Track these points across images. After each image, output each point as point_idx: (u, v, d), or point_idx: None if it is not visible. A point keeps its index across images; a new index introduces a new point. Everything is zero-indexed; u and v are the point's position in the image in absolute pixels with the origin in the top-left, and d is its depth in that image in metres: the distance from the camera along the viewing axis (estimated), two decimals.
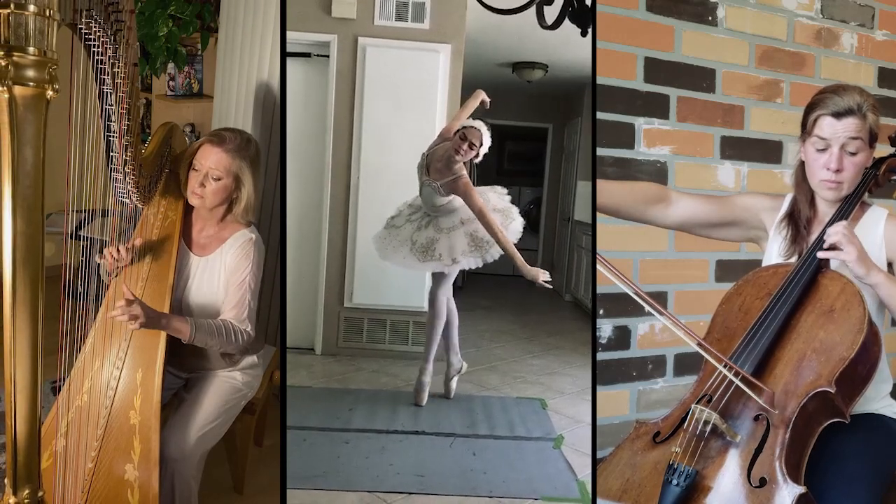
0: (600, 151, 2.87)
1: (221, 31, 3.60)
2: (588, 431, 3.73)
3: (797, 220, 2.04)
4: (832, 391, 1.68)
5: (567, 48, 5.87)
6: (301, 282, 5.04)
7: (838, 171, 1.92)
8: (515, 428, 3.82)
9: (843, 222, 1.86)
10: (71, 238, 3.22)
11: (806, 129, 1.97)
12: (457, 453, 3.46)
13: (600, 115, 2.86)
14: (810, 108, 1.96)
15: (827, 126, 1.91)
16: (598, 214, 2.88)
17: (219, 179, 2.41)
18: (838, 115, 1.89)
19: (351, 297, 5.03)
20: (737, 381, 1.75)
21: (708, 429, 1.74)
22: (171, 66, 4.31)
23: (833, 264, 1.90)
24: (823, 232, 1.90)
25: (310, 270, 5.05)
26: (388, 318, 5.08)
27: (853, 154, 1.91)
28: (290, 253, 4.98)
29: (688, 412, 1.79)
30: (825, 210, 2.02)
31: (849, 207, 1.94)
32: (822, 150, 1.93)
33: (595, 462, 2.74)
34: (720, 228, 2.20)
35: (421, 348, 4.98)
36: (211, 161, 2.40)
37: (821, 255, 1.85)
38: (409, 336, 5.09)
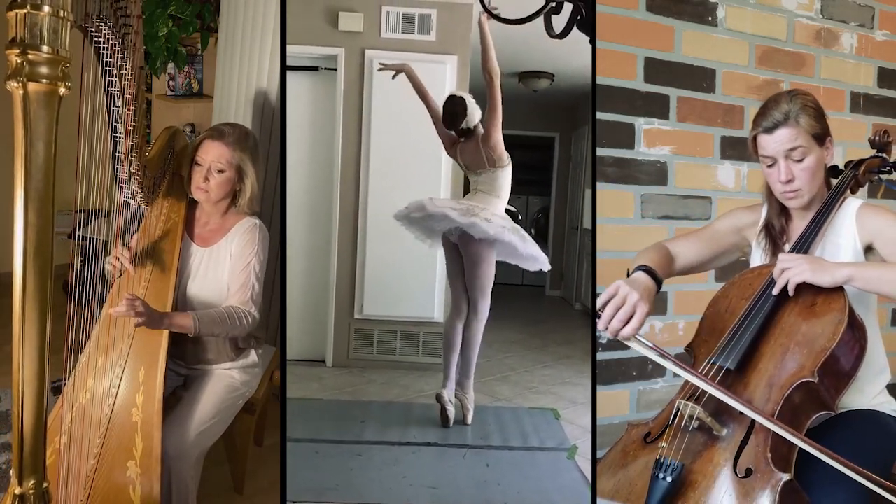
0: (600, 152, 2.88)
1: (221, 31, 3.62)
2: None
3: (772, 233, 2.06)
4: (815, 381, 1.69)
5: (573, 57, 5.89)
6: (311, 294, 5.06)
7: (790, 181, 1.93)
8: (528, 439, 3.80)
9: (781, 255, 1.86)
10: (71, 238, 3.27)
11: (752, 150, 1.99)
12: (470, 465, 3.44)
13: (600, 116, 2.87)
14: (751, 128, 1.98)
15: (764, 143, 1.93)
16: (598, 215, 2.91)
17: (222, 172, 2.46)
18: (769, 129, 1.91)
19: (361, 309, 5.04)
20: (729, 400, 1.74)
21: (694, 423, 1.75)
22: (171, 66, 4.34)
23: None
24: (803, 236, 1.93)
25: (320, 282, 5.06)
26: (398, 329, 5.08)
27: (799, 161, 1.92)
28: (299, 265, 5.01)
29: (675, 410, 1.80)
30: (798, 215, 2.04)
31: (826, 210, 1.96)
32: (772, 166, 1.95)
33: (595, 461, 2.74)
34: (714, 261, 2.23)
35: (431, 359, 5.03)
36: (213, 155, 2.45)
37: (775, 291, 1.83)
38: (419, 347, 5.09)
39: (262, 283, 2.53)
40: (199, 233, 2.58)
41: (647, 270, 1.94)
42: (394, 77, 4.05)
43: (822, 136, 1.94)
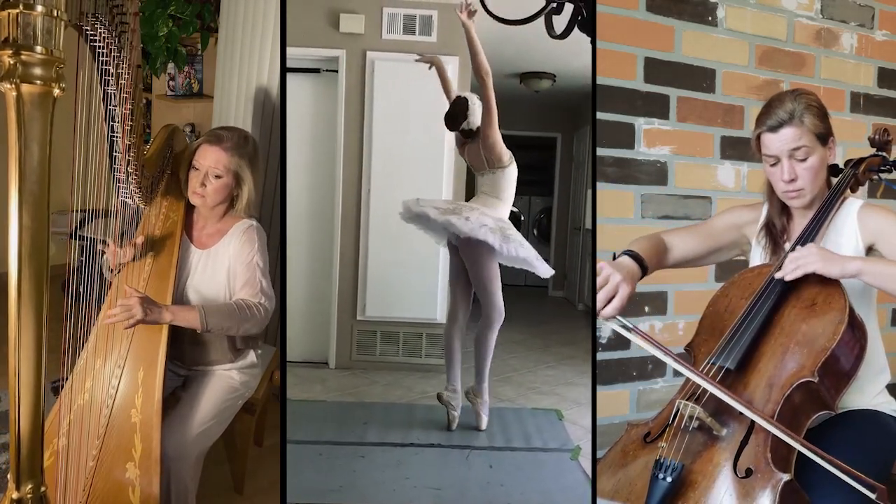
0: (600, 152, 2.88)
1: (221, 31, 3.62)
2: None
3: (773, 231, 2.07)
4: (815, 381, 1.69)
5: (574, 57, 5.88)
6: (314, 296, 5.06)
7: (793, 180, 1.94)
8: (532, 439, 3.79)
9: (792, 254, 1.85)
10: (71, 238, 3.26)
11: (755, 148, 2.00)
12: (473, 466, 3.44)
13: (600, 116, 2.87)
14: (754, 127, 1.99)
15: (768, 142, 1.93)
16: (598, 215, 2.90)
17: (219, 177, 2.44)
18: (773, 128, 1.91)
19: (364, 311, 5.04)
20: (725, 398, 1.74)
21: (694, 423, 1.74)
22: (171, 66, 4.33)
23: None
24: (803, 233, 1.93)
25: (322, 284, 5.06)
26: (400, 330, 5.08)
27: (803, 160, 1.92)
28: (301, 266, 5.01)
29: (675, 410, 1.80)
30: (799, 215, 2.04)
31: (827, 208, 1.96)
32: (775, 165, 1.95)
33: (595, 461, 2.74)
34: (710, 257, 2.25)
35: (434, 360, 5.02)
36: (210, 160, 2.43)
37: (789, 277, 1.82)
38: (422, 348, 5.09)
39: (269, 279, 2.50)
40: (197, 236, 2.57)
41: (633, 255, 1.99)
42: (429, 68, 4.00)
43: (825, 135, 1.94)
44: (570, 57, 5.91)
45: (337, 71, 4.89)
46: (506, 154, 3.77)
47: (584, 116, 8.00)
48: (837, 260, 1.79)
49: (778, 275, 1.83)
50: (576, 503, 3.09)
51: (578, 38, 2.32)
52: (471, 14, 3.42)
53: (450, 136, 4.82)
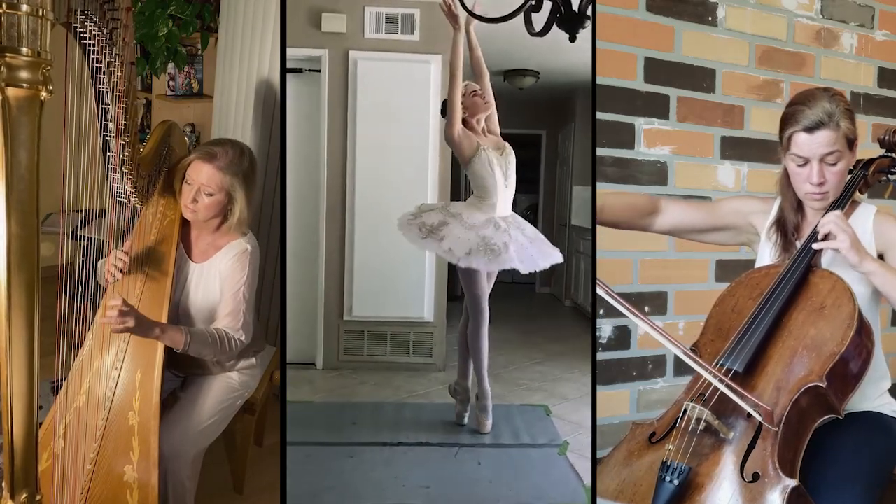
0: (600, 152, 2.87)
1: (221, 31, 3.60)
2: None
3: (785, 227, 2.06)
4: (823, 386, 1.69)
5: (557, 54, 5.89)
6: (300, 296, 5.02)
7: (821, 183, 1.92)
8: (520, 435, 3.78)
9: (836, 211, 1.88)
10: (70, 238, 3.20)
11: (783, 145, 1.97)
12: (462, 463, 3.43)
13: (600, 116, 2.86)
14: (784, 124, 1.96)
15: (802, 143, 1.91)
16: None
17: (211, 195, 2.41)
18: (810, 129, 1.89)
19: (350, 311, 5.01)
20: (727, 391, 1.75)
21: (701, 426, 1.74)
22: (171, 66, 4.30)
23: (826, 259, 1.92)
24: (814, 232, 1.92)
25: (308, 285, 5.03)
26: (388, 329, 5.06)
27: (833, 165, 1.91)
28: (287, 267, 4.95)
29: (682, 411, 1.79)
30: (813, 213, 2.03)
31: (839, 208, 1.95)
32: (803, 165, 1.93)
33: (595, 462, 2.73)
34: (709, 233, 2.25)
35: (422, 359, 5.02)
36: (202, 177, 2.39)
37: (816, 245, 1.86)
38: (409, 347, 5.07)
39: (253, 307, 2.52)
40: (192, 246, 2.55)
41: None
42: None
43: (853, 140, 1.94)
44: (552, 54, 5.93)
45: (319, 70, 4.85)
46: (463, 151, 3.58)
47: (568, 113, 8.01)
48: (862, 252, 1.82)
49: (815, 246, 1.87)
50: (564, 498, 3.08)
51: (560, 35, 2.31)
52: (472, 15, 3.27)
53: (434, 135, 4.84)
